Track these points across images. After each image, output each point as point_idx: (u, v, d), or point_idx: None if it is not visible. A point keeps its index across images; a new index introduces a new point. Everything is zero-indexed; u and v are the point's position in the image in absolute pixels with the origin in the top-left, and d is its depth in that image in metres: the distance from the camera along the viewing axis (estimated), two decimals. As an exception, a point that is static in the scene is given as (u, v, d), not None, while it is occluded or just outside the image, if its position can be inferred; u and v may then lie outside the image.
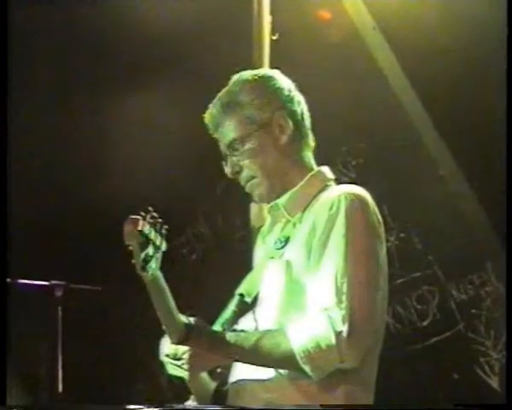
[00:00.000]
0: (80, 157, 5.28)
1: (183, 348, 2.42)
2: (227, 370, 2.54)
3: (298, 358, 2.34)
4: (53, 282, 4.61)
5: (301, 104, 2.64)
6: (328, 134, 5.17)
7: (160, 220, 2.31)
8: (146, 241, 2.27)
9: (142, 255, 2.26)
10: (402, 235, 5.26)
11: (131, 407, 2.57)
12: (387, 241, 5.33)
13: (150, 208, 2.31)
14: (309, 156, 2.63)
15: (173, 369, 2.45)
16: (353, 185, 2.53)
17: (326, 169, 2.64)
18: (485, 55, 4.69)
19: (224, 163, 2.63)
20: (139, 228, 2.26)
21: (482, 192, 4.91)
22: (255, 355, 2.38)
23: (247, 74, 2.64)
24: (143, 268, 2.27)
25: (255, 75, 2.63)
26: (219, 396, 2.51)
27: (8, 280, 4.44)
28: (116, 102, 5.13)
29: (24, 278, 4.59)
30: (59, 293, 4.60)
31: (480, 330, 5.01)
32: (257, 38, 4.56)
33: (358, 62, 5.17)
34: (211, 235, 5.63)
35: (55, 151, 5.23)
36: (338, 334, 2.31)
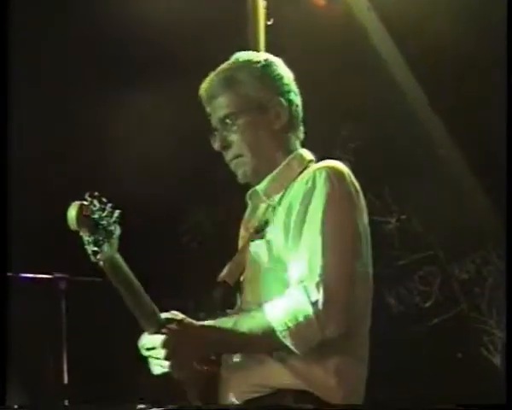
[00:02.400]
0: (81, 152, 5.27)
1: (160, 342, 2.35)
2: (218, 356, 2.52)
3: (278, 334, 2.33)
4: (56, 275, 4.62)
5: (297, 96, 2.64)
6: (327, 118, 5.19)
7: (110, 205, 2.30)
8: (94, 225, 2.26)
9: (91, 239, 2.25)
10: (403, 217, 5.26)
11: (139, 406, 2.56)
12: (388, 223, 5.40)
13: (97, 193, 2.30)
14: (297, 147, 2.63)
15: (156, 366, 2.40)
16: (329, 160, 2.52)
17: (304, 151, 2.64)
18: (483, 28, 4.67)
19: (212, 137, 2.61)
20: (85, 213, 2.25)
21: (482, 171, 4.91)
22: (236, 337, 2.37)
23: (251, 55, 2.64)
24: (94, 253, 2.26)
25: (258, 57, 2.64)
26: (210, 385, 2.49)
27: (11, 274, 4.45)
28: (118, 98, 5.12)
29: (26, 272, 4.60)
30: (62, 286, 4.61)
31: (482, 309, 5.02)
32: (252, 23, 4.55)
33: (354, 45, 5.16)
34: (211, 223, 5.64)
35: (56, 143, 5.23)
36: (314, 303, 2.30)
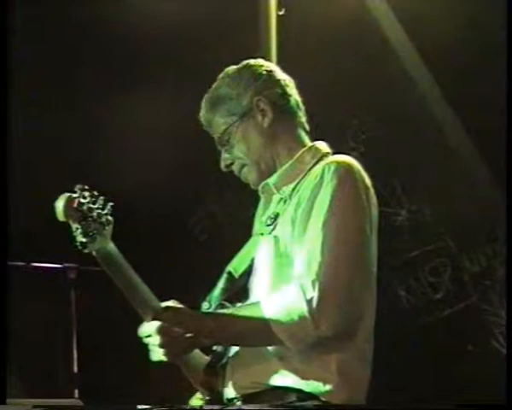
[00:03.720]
0: (93, 145, 5.28)
1: (157, 329, 2.35)
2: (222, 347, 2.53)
3: (273, 328, 2.32)
4: (65, 264, 4.62)
5: (282, 85, 2.63)
6: (338, 108, 5.18)
7: (102, 198, 2.33)
8: (83, 217, 2.30)
9: (80, 231, 2.30)
10: (413, 208, 5.25)
11: (141, 406, 2.57)
12: (398, 215, 5.39)
13: (86, 187, 2.32)
14: (300, 134, 2.63)
15: (153, 353, 2.40)
16: (340, 154, 2.51)
17: (321, 144, 2.62)
18: (491, 18, 4.65)
19: (219, 159, 2.66)
20: (73, 205, 2.30)
21: (494, 163, 4.89)
22: (231, 328, 2.38)
23: (229, 68, 2.68)
24: (82, 244, 2.30)
25: (235, 67, 2.66)
26: (212, 373, 2.50)
27: (21, 263, 4.46)
28: (122, 97, 5.13)
29: (36, 262, 4.60)
30: (72, 275, 4.61)
31: (493, 300, 5.01)
32: (263, 14, 4.55)
33: (366, 35, 5.15)
34: (222, 213, 5.63)
35: (66, 140, 5.24)
36: (309, 301, 2.28)
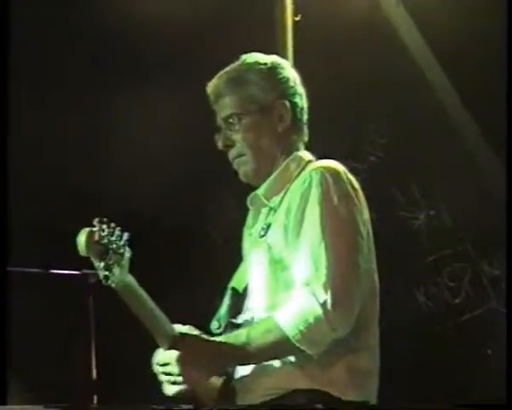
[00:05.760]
0: (106, 155, 5.29)
1: (175, 358, 2.37)
2: (232, 367, 2.54)
3: (291, 339, 2.35)
4: (84, 271, 4.64)
5: (303, 99, 2.66)
6: (355, 114, 5.17)
7: (119, 229, 2.33)
8: (104, 250, 2.30)
9: (102, 265, 2.29)
10: (432, 212, 5.24)
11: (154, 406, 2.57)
12: (417, 219, 5.37)
13: (105, 219, 2.32)
14: (300, 149, 2.64)
15: (167, 384, 2.42)
16: (324, 160, 2.54)
17: (303, 152, 2.66)
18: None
19: (217, 135, 2.65)
20: (94, 239, 2.29)
21: (512, 167, 4.87)
22: (250, 349, 2.39)
23: (259, 56, 2.67)
24: (106, 277, 2.30)
25: (266, 59, 2.66)
26: (226, 392, 2.51)
27: (39, 270, 4.48)
28: (127, 97, 5.14)
29: (55, 268, 4.62)
30: (91, 281, 4.63)
31: (513, 305, 4.98)
32: (279, 19, 4.55)
33: (383, 40, 5.14)
34: (239, 219, 5.63)
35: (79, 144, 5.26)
36: (322, 304, 2.32)
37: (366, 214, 2.50)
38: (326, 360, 2.40)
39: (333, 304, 2.32)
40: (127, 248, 2.35)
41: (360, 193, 2.50)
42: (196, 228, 5.50)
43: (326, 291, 2.33)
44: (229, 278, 2.64)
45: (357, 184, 2.50)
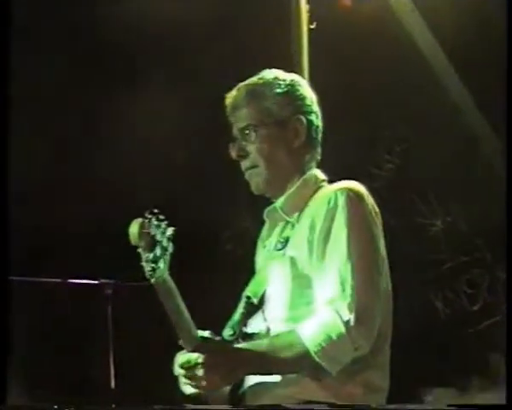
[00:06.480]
0: (119, 157, 5.30)
1: (196, 360, 2.37)
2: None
3: (312, 354, 2.38)
4: (102, 280, 4.65)
5: (318, 118, 2.70)
6: (373, 121, 5.17)
7: (165, 222, 2.34)
8: (153, 242, 2.31)
9: (151, 256, 2.30)
10: (448, 219, 5.23)
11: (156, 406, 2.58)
12: (434, 225, 5.35)
13: (156, 210, 2.33)
14: (312, 167, 2.67)
15: (187, 386, 2.44)
16: (347, 181, 2.58)
17: (318, 171, 2.69)
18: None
19: (231, 145, 2.67)
20: (145, 230, 2.30)
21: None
22: (271, 360, 2.42)
23: (278, 73, 2.70)
24: (153, 270, 2.31)
25: (285, 76, 2.69)
26: (235, 398, 2.52)
27: (59, 280, 4.49)
28: (131, 98, 5.14)
29: (73, 278, 4.64)
30: (108, 291, 4.64)
31: (532, 311, 4.96)
32: (295, 27, 4.56)
33: (399, 46, 5.14)
34: (255, 229, 5.63)
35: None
36: (346, 323, 2.37)
37: (382, 236, 2.55)
38: (343, 376, 2.42)
39: (356, 323, 2.37)
40: (171, 243, 2.34)
41: (380, 217, 2.55)
42: (211, 234, 5.50)
43: (350, 311, 2.38)
44: (239, 284, 2.64)
45: (377, 208, 2.55)
